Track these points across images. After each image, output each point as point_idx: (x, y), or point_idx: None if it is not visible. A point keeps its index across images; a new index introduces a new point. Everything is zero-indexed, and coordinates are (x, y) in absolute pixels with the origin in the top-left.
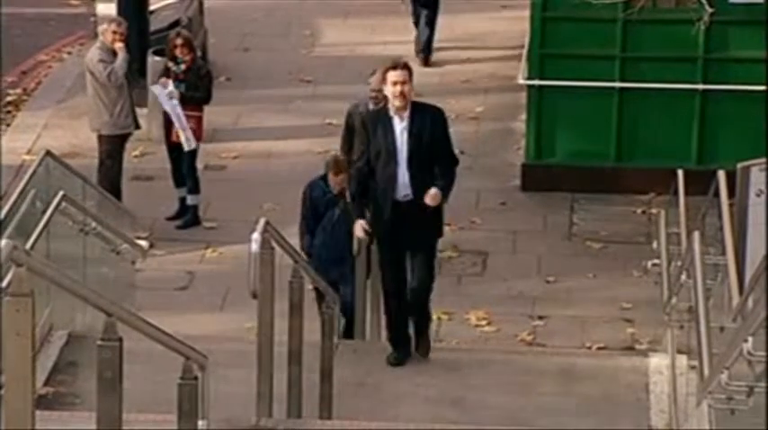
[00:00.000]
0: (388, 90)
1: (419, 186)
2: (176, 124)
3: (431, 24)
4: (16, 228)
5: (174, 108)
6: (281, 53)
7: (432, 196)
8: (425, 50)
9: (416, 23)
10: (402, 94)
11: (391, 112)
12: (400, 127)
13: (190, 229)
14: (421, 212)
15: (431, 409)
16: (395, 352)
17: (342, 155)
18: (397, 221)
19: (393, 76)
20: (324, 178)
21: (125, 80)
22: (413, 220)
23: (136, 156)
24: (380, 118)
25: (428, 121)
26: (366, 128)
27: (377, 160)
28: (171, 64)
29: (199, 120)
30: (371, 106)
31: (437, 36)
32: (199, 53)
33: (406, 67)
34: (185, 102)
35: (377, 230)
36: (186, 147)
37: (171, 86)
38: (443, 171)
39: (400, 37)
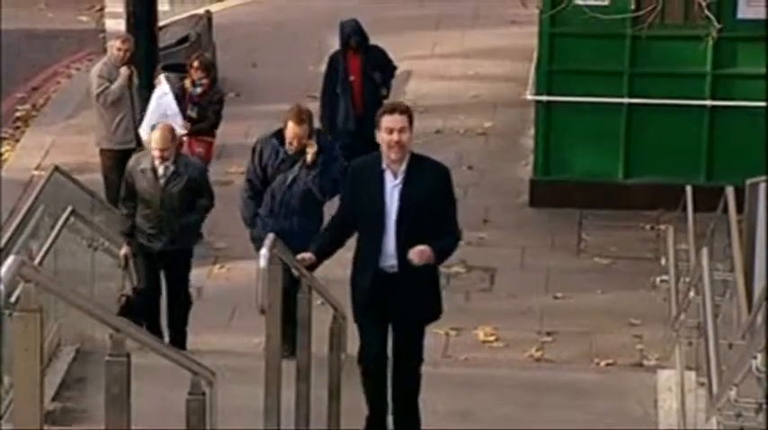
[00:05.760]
0: (382, 138)
1: (407, 257)
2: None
3: None
4: (25, 243)
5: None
6: (290, 69)
7: (418, 252)
8: None
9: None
10: (398, 144)
11: (383, 165)
12: (392, 184)
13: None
14: (408, 286)
15: (438, 423)
16: None
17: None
18: (380, 293)
19: (388, 121)
20: (278, 135)
21: (129, 97)
22: (399, 294)
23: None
24: (370, 169)
25: (427, 182)
26: (352, 179)
27: (360, 220)
28: (187, 83)
29: (209, 145)
30: None
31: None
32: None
33: (405, 111)
34: (194, 128)
35: (355, 299)
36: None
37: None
38: (441, 235)
39: (411, 52)
